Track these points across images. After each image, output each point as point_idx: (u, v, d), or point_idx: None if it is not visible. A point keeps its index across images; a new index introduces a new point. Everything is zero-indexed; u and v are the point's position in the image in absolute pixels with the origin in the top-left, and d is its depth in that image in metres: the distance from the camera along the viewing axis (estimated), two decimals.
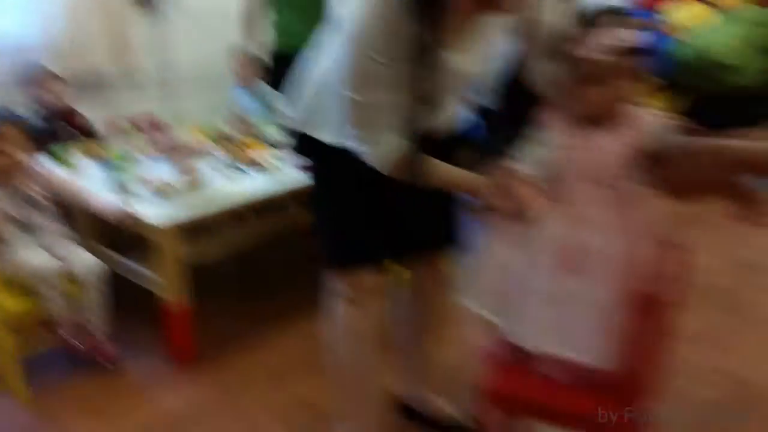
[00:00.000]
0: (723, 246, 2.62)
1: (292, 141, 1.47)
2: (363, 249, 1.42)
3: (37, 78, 3.01)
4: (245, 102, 3.37)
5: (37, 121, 2.89)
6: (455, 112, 1.38)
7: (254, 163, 2.35)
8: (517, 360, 1.29)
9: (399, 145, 1.22)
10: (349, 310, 1.44)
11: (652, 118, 1.18)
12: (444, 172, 1.27)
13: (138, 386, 2.00)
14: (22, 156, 2.01)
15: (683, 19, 4.51)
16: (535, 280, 1.20)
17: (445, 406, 1.68)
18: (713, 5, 4.43)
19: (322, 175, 1.45)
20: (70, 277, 2.00)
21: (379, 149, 1.24)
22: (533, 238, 1.20)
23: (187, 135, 2.98)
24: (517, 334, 1.24)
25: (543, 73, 1.25)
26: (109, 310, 2.09)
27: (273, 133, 2.80)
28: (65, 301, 2.00)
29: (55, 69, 3.18)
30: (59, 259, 1.99)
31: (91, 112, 3.30)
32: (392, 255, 1.46)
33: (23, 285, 1.94)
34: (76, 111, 3.18)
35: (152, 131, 3.10)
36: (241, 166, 2.35)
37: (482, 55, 1.29)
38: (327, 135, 1.35)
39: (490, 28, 1.25)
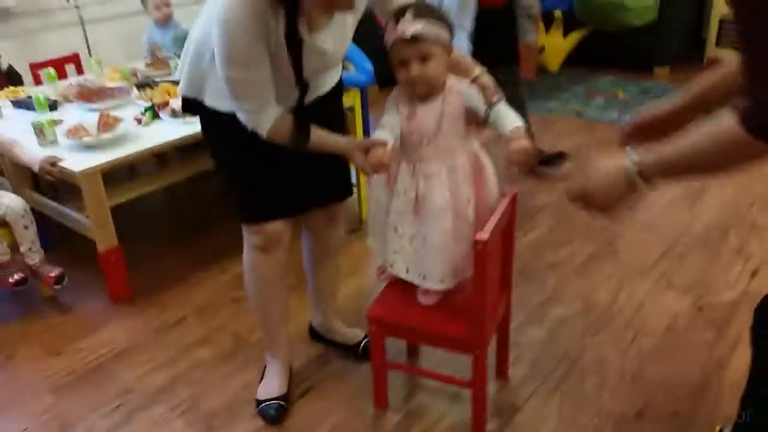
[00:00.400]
0: None
1: (181, 101, 1.61)
2: (263, 206, 1.60)
3: None
4: (159, 38, 3.43)
5: None
6: (321, 82, 1.58)
7: (173, 111, 2.49)
8: (397, 291, 1.63)
9: (274, 114, 1.41)
10: (257, 256, 1.67)
11: (464, 87, 1.46)
12: (319, 137, 1.46)
13: (81, 323, 2.23)
14: None
15: None
16: (398, 223, 1.52)
17: (344, 330, 1.99)
18: None
19: (213, 136, 1.62)
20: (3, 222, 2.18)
21: (256, 118, 1.42)
22: (393, 188, 1.51)
23: (106, 78, 3.07)
24: (393, 266, 1.57)
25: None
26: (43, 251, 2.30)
27: None
28: (4, 245, 2.19)
29: None
30: None
31: (10, 53, 3.31)
32: (291, 210, 1.67)
33: None
34: None
35: (76, 77, 3.16)
36: (160, 113, 2.50)
37: (339, 35, 1.47)
38: (208, 99, 1.52)
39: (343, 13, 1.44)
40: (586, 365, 1.88)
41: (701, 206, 2.75)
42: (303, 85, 1.42)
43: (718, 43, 4.64)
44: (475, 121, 1.48)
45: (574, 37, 4.75)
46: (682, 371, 1.83)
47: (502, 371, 1.84)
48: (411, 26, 1.35)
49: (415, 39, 1.36)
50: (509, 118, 1.44)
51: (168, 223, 2.98)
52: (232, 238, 2.59)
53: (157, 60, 3.21)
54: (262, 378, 1.83)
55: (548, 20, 4.75)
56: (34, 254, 2.26)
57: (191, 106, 1.59)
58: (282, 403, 1.75)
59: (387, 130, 1.46)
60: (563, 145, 3.39)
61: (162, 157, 2.90)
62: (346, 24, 1.48)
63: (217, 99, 1.50)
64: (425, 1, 1.46)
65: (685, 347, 1.93)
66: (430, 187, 1.48)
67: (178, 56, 3.17)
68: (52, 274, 2.26)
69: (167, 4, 3.39)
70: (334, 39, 1.46)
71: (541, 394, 1.78)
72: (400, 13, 1.37)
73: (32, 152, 2.22)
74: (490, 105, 1.44)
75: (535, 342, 1.99)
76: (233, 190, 1.65)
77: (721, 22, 4.56)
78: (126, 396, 1.87)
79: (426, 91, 1.44)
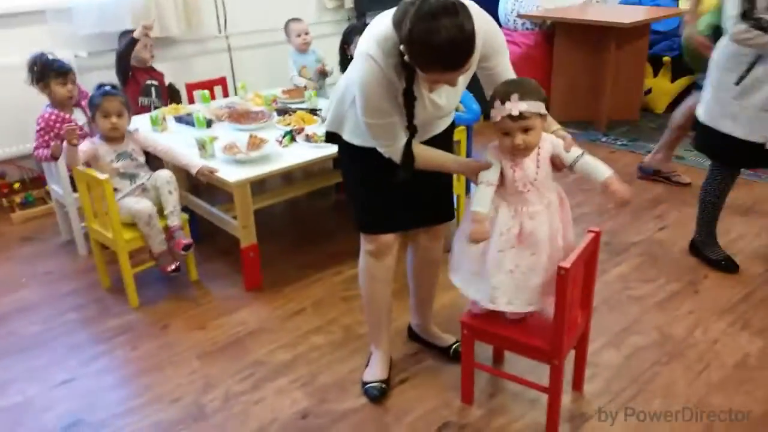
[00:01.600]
0: (692, 225, 3.18)
1: (326, 136, 2.00)
2: (378, 221, 1.95)
3: (135, 37, 3.48)
4: (302, 61, 3.92)
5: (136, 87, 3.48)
6: (436, 126, 1.92)
7: (306, 137, 2.92)
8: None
9: (402, 147, 1.74)
10: (370, 261, 2.02)
11: (551, 137, 1.76)
12: (435, 157, 1.81)
13: (219, 305, 2.68)
14: (124, 123, 2.66)
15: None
16: (500, 260, 1.79)
17: (438, 333, 2.29)
18: None
19: (346, 163, 1.99)
20: (156, 191, 2.68)
21: (390, 150, 1.77)
22: (492, 228, 1.79)
23: (250, 102, 3.58)
24: (494, 302, 1.82)
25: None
26: (194, 242, 2.77)
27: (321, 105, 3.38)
28: (159, 235, 2.66)
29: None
30: (149, 197, 2.67)
31: (170, 74, 3.91)
32: (400, 226, 1.99)
33: (130, 222, 2.62)
34: (161, 72, 3.77)
35: (223, 98, 3.69)
36: (297, 137, 2.94)
37: (452, 93, 1.80)
38: (346, 135, 1.90)
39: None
40: (655, 389, 2.08)
41: None
42: (412, 130, 1.75)
43: None
44: (560, 165, 1.77)
45: (682, 82, 4.84)
46: (747, 403, 2.00)
47: (577, 385, 2.09)
48: (517, 106, 1.64)
49: (519, 115, 1.65)
50: (600, 167, 1.72)
51: (290, 230, 3.42)
52: (344, 247, 3.02)
53: (293, 89, 3.69)
54: (367, 364, 2.18)
55: (657, 64, 4.89)
56: (174, 217, 2.68)
57: (332, 138, 1.99)
58: (384, 385, 2.09)
59: (490, 174, 1.76)
60: (660, 187, 3.54)
61: (287, 174, 3.36)
62: (458, 83, 1.79)
63: (353, 136, 1.88)
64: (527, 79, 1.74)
65: (753, 383, 2.08)
66: (536, 223, 1.76)
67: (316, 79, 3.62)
68: (184, 241, 2.67)
69: (307, 33, 3.89)
70: (447, 95, 1.81)
71: (610, 408, 2.01)
72: (505, 94, 1.66)
73: (193, 159, 2.71)
74: (581, 155, 1.73)
75: (611, 364, 2.21)
76: (357, 206, 2.01)
77: None
78: (257, 367, 2.27)
79: (527, 153, 1.75)
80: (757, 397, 2.02)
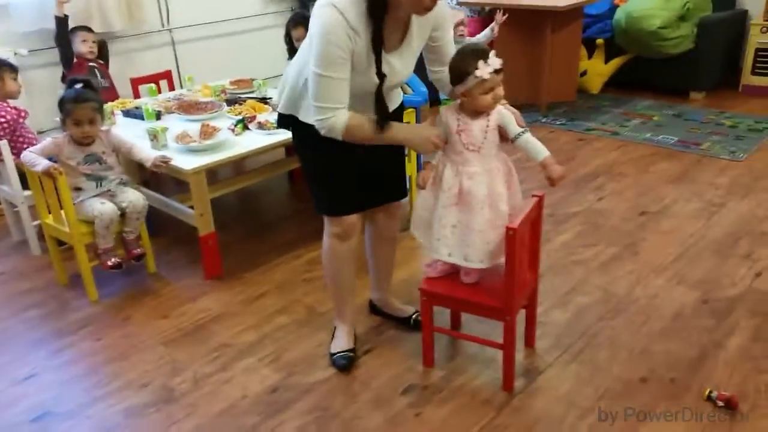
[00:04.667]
0: (628, 194, 3.38)
1: (278, 120, 2.06)
2: (343, 203, 2.01)
3: (58, 16, 3.48)
4: None
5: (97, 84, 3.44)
6: (388, 99, 1.93)
7: (259, 124, 2.96)
8: (444, 271, 2.04)
9: (346, 117, 1.77)
10: (335, 243, 2.08)
11: (501, 108, 1.88)
12: (391, 130, 1.86)
13: (180, 294, 2.71)
14: (96, 129, 2.60)
15: None
16: (443, 215, 1.92)
17: (398, 305, 2.40)
18: None
19: (303, 146, 2.02)
20: (122, 213, 2.65)
21: (332, 122, 1.77)
22: (439, 187, 1.91)
23: (198, 94, 3.59)
24: (437, 252, 1.97)
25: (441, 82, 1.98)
26: (149, 235, 2.79)
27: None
28: (112, 236, 2.66)
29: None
30: (117, 203, 2.63)
31: (113, 71, 3.87)
32: (363, 205, 2.09)
33: (86, 220, 2.60)
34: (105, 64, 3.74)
35: (169, 92, 3.68)
36: (249, 125, 2.98)
37: (407, 58, 1.88)
38: (301, 116, 1.92)
39: (413, 42, 1.86)
40: (602, 341, 2.24)
41: (719, 218, 3.06)
42: (381, 75, 1.80)
43: (753, 71, 4.91)
44: (505, 136, 1.90)
45: (615, 62, 5.09)
46: (684, 349, 2.18)
47: (529, 341, 2.22)
48: (498, 60, 1.78)
49: (499, 70, 1.80)
50: (538, 147, 1.86)
51: (246, 220, 3.45)
52: (302, 231, 3.09)
53: (241, 79, 3.72)
54: (332, 338, 2.26)
55: (591, 47, 5.12)
56: (131, 233, 2.72)
57: (286, 121, 2.03)
58: (351, 354, 2.18)
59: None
60: (598, 161, 3.75)
61: (239, 164, 3.39)
62: (411, 49, 1.90)
63: (309, 116, 1.90)
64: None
65: (689, 331, 2.27)
66: (473, 183, 1.88)
67: None
68: (136, 252, 2.72)
69: None
70: (402, 59, 1.88)
71: (561, 361, 2.15)
72: (483, 53, 1.78)
73: (146, 152, 2.72)
74: (524, 131, 1.86)
75: (559, 322, 2.36)
76: (319, 190, 2.06)
77: (757, 50, 4.83)
78: (223, 349, 2.33)
79: (483, 111, 1.87)
80: (692, 342, 2.21)
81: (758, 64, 4.87)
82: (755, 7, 4.95)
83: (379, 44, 1.76)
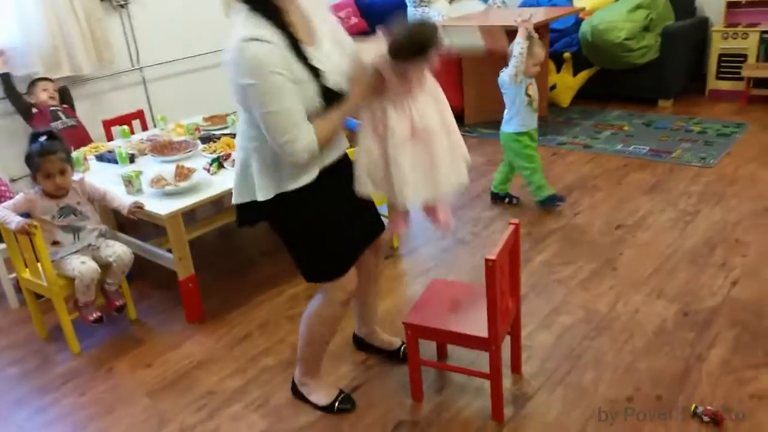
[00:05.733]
0: (603, 208, 3.42)
1: (237, 218, 1.92)
2: (344, 253, 1.91)
3: (32, 85, 3.53)
4: None
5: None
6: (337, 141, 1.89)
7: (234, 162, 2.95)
8: (427, 304, 2.04)
9: (309, 130, 1.69)
10: (338, 309, 1.96)
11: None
12: (332, 118, 1.76)
13: (163, 340, 2.68)
14: (68, 180, 2.57)
15: (586, 1, 5.17)
16: (397, 156, 1.82)
17: (385, 337, 2.38)
18: None
19: (281, 221, 1.89)
20: (106, 266, 2.62)
21: (299, 144, 1.68)
22: (385, 132, 1.83)
23: (172, 133, 3.58)
24: (404, 195, 1.85)
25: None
26: (128, 282, 2.77)
27: None
28: (92, 292, 2.62)
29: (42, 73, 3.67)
30: (98, 259, 2.60)
31: (84, 114, 3.85)
32: (359, 249, 1.99)
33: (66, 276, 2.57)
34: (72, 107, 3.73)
35: (142, 132, 3.66)
36: (224, 163, 2.97)
37: (336, 50, 1.81)
38: (260, 195, 1.79)
39: (323, 27, 1.80)
40: (587, 362, 2.25)
41: (693, 227, 3.11)
42: (314, 69, 1.72)
43: (718, 76, 5.02)
44: None
45: (583, 75, 5.17)
46: (668, 364, 2.20)
47: (516, 368, 2.23)
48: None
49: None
50: None
51: (225, 258, 3.43)
52: (281, 267, 3.06)
53: (214, 116, 3.72)
54: (309, 395, 2.17)
55: (559, 61, 5.19)
56: (113, 284, 2.71)
57: (248, 212, 1.90)
58: (344, 394, 2.16)
59: None
60: (572, 176, 3.79)
61: (217, 202, 3.37)
62: (330, 36, 1.83)
63: (266, 188, 1.80)
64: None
65: (671, 345, 2.29)
66: (425, 115, 1.84)
67: None
68: (117, 303, 2.72)
69: None
70: (332, 48, 1.81)
71: (548, 386, 2.16)
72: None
73: (121, 199, 2.70)
74: None
75: (544, 345, 2.37)
76: (316, 253, 1.91)
77: (720, 56, 4.94)
78: (209, 397, 2.30)
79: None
80: (675, 357, 2.23)
81: (722, 69, 4.98)
82: (715, 14, 5.08)
83: (294, 38, 1.69)
